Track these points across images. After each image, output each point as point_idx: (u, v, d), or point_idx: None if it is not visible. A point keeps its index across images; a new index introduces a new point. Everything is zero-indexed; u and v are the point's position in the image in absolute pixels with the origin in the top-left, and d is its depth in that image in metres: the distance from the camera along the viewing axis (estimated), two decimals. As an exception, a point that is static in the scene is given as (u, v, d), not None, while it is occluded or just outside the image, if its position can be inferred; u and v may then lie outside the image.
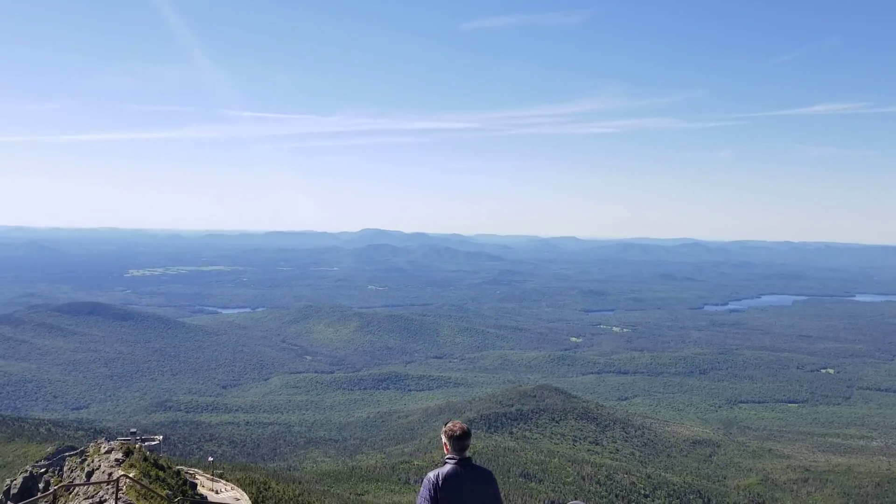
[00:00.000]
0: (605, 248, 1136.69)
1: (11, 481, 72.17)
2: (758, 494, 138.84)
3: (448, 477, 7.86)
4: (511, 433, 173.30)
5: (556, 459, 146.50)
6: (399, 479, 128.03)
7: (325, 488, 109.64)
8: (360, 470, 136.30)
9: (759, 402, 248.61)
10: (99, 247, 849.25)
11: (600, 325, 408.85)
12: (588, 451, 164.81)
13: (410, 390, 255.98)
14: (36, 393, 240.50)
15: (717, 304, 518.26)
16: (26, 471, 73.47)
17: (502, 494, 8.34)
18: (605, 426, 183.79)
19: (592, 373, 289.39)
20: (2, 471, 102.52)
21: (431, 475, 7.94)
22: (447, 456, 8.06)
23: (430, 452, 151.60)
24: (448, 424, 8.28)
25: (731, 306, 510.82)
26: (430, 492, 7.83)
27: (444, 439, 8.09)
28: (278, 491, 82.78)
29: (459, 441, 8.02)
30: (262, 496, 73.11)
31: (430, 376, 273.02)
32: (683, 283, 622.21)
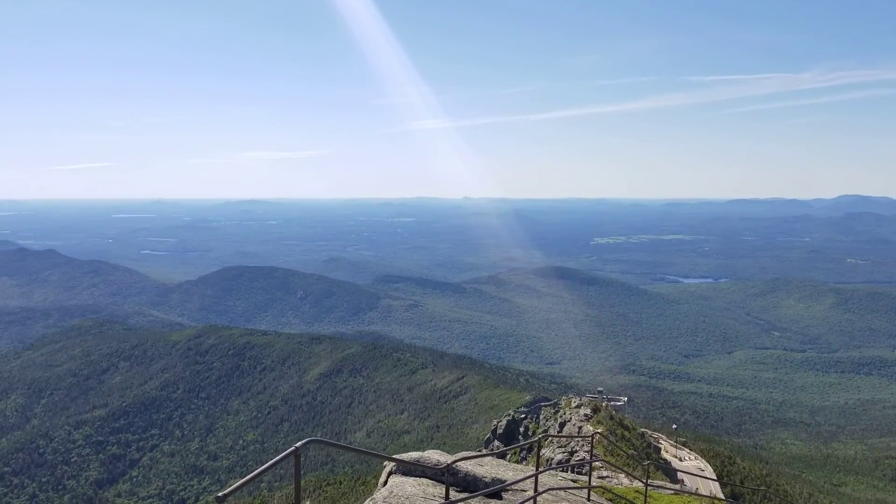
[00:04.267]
0: None
1: (497, 422, 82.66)
2: None
3: None
4: None
5: None
6: (884, 476, 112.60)
7: (796, 473, 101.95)
8: (835, 458, 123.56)
9: None
10: (567, 216, 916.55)
11: None
12: None
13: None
14: (516, 346, 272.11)
15: None
16: (509, 415, 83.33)
17: None
18: None
19: None
20: (490, 412, 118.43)
21: None
22: None
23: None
24: None
25: None
26: None
27: None
28: (744, 468, 79.47)
29: None
30: (727, 471, 70.91)
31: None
32: None
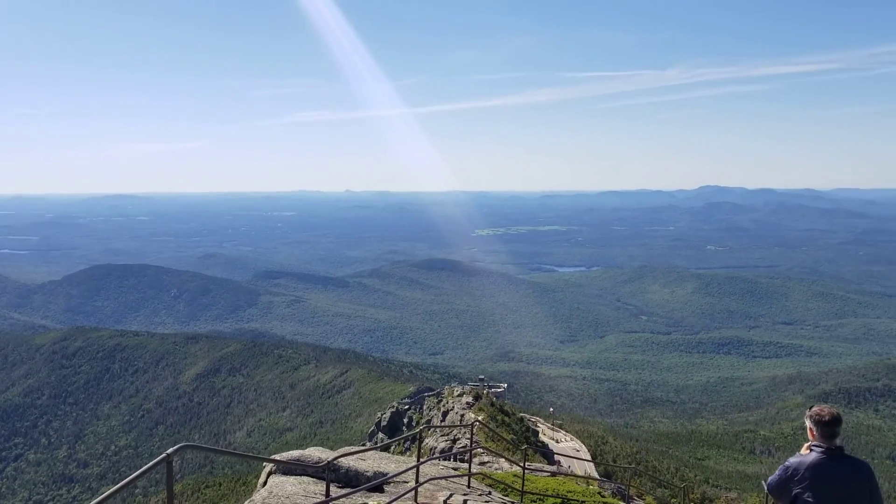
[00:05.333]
0: None
1: (381, 414, 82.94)
2: None
3: (813, 467, 6.65)
4: (876, 410, 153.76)
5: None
6: (743, 448, 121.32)
7: (664, 449, 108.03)
8: (699, 434, 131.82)
9: None
10: (449, 209, 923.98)
11: None
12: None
13: (755, 357, 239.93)
14: (400, 338, 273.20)
15: None
16: (393, 406, 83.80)
17: None
18: None
19: None
20: (374, 405, 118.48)
21: (792, 461, 6.79)
22: (812, 443, 6.86)
23: (779, 423, 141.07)
24: (814, 408, 7.00)
25: None
26: (781, 477, 6.79)
27: (808, 424, 6.92)
28: (616, 446, 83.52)
29: (828, 427, 6.65)
30: (601, 450, 74.30)
31: (777, 343, 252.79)
32: None
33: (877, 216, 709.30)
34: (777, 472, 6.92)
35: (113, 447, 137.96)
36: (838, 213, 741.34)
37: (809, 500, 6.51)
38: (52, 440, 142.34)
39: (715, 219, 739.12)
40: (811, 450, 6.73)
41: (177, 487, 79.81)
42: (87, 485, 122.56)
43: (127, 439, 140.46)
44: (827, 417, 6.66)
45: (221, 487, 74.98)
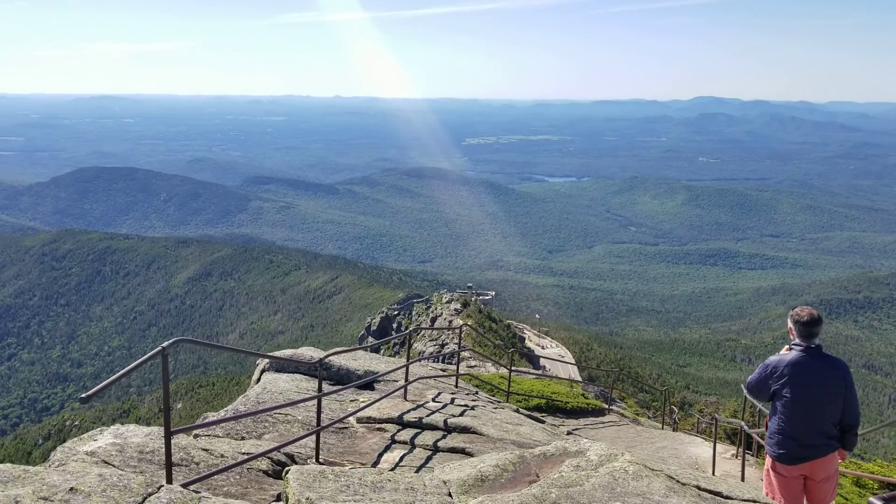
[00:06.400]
0: None
1: (371, 319, 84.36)
2: None
3: (792, 364, 6.88)
4: (855, 321, 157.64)
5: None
6: (724, 356, 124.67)
7: (647, 356, 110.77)
8: (682, 342, 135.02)
9: None
10: (439, 116, 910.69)
11: None
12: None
13: (741, 268, 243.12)
14: (389, 246, 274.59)
15: None
16: (383, 312, 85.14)
17: None
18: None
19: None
20: (363, 310, 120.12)
21: (772, 359, 7.02)
22: (793, 342, 7.09)
23: (760, 333, 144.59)
24: (795, 309, 7.19)
25: None
26: (761, 374, 7.04)
27: (789, 324, 7.12)
28: (600, 353, 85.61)
29: (807, 327, 6.85)
30: (585, 356, 76.20)
31: (763, 255, 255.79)
32: None
33: (869, 130, 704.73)
34: (757, 370, 7.13)
35: (106, 347, 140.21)
36: (832, 127, 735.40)
37: (787, 395, 6.73)
38: (46, 340, 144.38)
39: (708, 130, 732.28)
40: (791, 348, 6.94)
41: (170, 387, 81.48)
42: (81, 384, 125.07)
43: (120, 340, 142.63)
44: (806, 318, 6.84)
45: (215, 387, 76.75)
